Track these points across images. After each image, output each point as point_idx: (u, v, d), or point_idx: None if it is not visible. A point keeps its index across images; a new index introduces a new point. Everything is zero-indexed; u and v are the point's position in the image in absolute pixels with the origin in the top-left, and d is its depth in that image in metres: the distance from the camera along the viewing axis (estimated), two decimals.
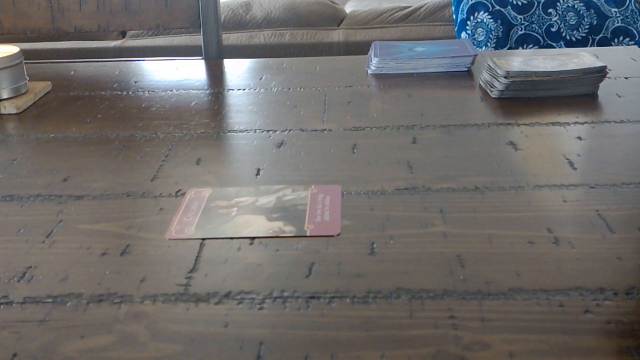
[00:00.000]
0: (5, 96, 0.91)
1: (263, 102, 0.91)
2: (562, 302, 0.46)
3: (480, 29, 2.14)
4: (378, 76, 1.02)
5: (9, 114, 0.89)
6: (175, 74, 1.07)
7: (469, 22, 2.15)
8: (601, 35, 2.14)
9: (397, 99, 0.91)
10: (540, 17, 2.14)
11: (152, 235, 0.57)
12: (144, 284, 0.50)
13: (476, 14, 2.14)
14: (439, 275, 0.49)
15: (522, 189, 0.63)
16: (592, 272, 0.49)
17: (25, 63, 0.95)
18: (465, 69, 1.03)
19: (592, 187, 0.63)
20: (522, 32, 2.14)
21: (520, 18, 2.13)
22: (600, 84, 0.90)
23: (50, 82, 1.00)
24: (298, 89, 0.97)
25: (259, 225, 0.58)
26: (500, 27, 2.13)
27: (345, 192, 0.64)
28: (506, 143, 0.74)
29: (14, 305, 0.48)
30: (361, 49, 2.11)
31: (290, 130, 0.80)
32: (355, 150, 0.74)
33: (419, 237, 0.55)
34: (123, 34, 2.54)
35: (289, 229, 0.57)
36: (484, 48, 2.12)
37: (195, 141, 0.78)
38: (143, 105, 0.92)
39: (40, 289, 0.49)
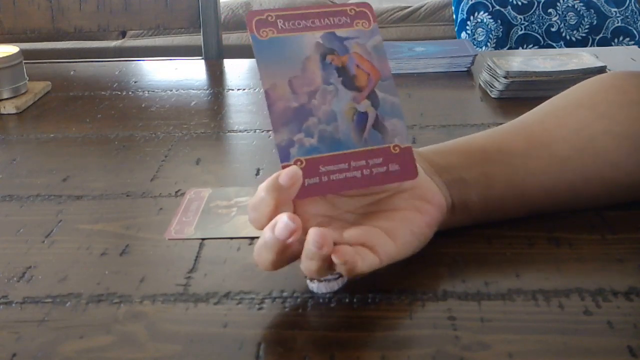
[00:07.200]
0: (5, 96, 0.91)
1: (263, 102, 0.90)
2: (562, 302, 0.46)
3: (480, 29, 2.14)
4: None
5: (8, 114, 0.89)
6: (175, 74, 1.07)
7: (469, 22, 2.15)
8: (601, 35, 2.14)
9: None
10: (540, 17, 2.14)
11: (151, 235, 0.57)
12: (143, 284, 0.50)
13: (476, 14, 2.14)
14: (438, 276, 0.49)
15: None
16: (591, 273, 0.49)
17: (25, 63, 0.95)
18: (465, 69, 1.02)
19: None
20: (522, 32, 2.13)
21: (520, 18, 2.13)
22: None
23: (50, 82, 1.00)
24: None
25: None
26: (500, 27, 2.13)
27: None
28: None
29: (13, 305, 0.48)
30: None
31: None
32: None
33: None
34: (123, 34, 2.54)
35: None
36: (484, 48, 2.12)
37: (194, 141, 0.78)
38: (143, 105, 0.92)
39: (40, 289, 0.49)
